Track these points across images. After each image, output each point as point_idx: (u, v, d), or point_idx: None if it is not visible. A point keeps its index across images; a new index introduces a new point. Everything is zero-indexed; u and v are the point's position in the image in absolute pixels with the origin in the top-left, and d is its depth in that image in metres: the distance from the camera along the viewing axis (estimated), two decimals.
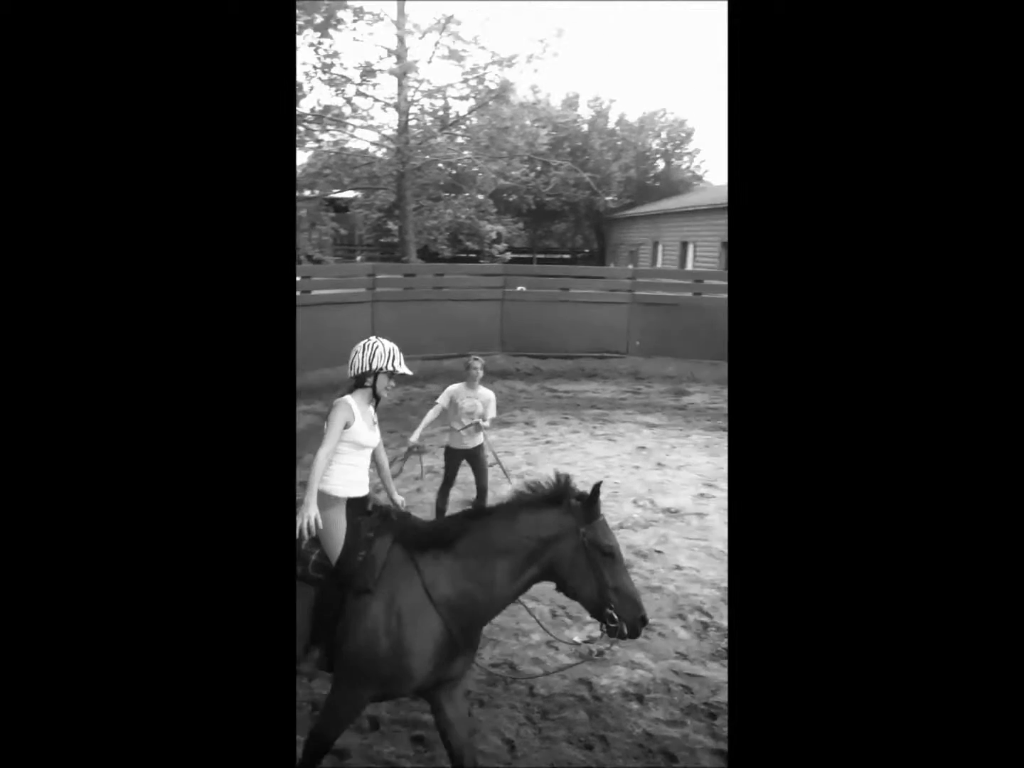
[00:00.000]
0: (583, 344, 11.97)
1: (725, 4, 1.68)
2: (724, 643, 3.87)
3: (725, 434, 8.20)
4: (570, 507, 2.49)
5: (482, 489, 5.00)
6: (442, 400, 4.89)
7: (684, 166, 30.16)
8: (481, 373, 4.92)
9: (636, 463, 7.10)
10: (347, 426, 2.64)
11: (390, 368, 2.71)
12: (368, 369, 2.69)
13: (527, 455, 7.21)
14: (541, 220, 27.12)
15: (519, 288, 12.68)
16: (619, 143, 27.87)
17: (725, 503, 6.09)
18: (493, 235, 17.23)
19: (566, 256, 28.39)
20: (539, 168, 18.89)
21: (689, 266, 21.89)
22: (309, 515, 2.46)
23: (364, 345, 2.74)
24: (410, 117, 14.63)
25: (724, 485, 6.50)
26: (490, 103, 15.23)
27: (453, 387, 4.94)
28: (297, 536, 2.45)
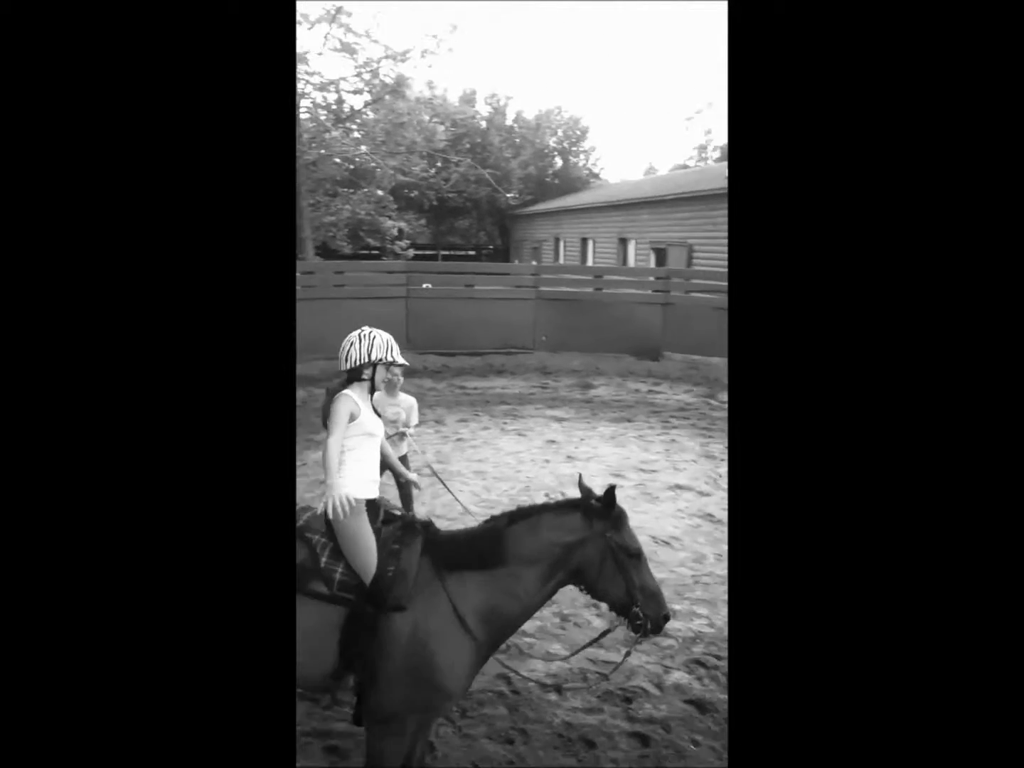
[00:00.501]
0: (491, 340, 12.02)
1: (714, 4, 1.70)
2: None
3: (630, 425, 8.48)
4: (592, 511, 2.50)
5: (407, 498, 4.73)
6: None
7: (581, 163, 30.79)
8: (402, 380, 4.73)
9: (547, 457, 7.21)
10: (352, 419, 2.53)
11: (390, 358, 2.63)
12: (367, 360, 2.60)
13: (438, 453, 7.18)
14: (444, 216, 27.02)
15: (425, 285, 12.60)
16: (517, 140, 28.15)
17: (633, 492, 6.30)
18: (395, 231, 17.03)
19: (471, 252, 28.40)
20: (439, 164, 18.81)
21: (590, 262, 22.39)
22: (339, 494, 2.34)
23: (360, 336, 2.63)
24: (302, 111, 14.23)
25: (632, 475, 6.71)
26: (386, 98, 15.03)
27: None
28: (331, 515, 2.34)
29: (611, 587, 2.49)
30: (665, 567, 4.77)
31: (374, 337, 2.64)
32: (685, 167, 35.20)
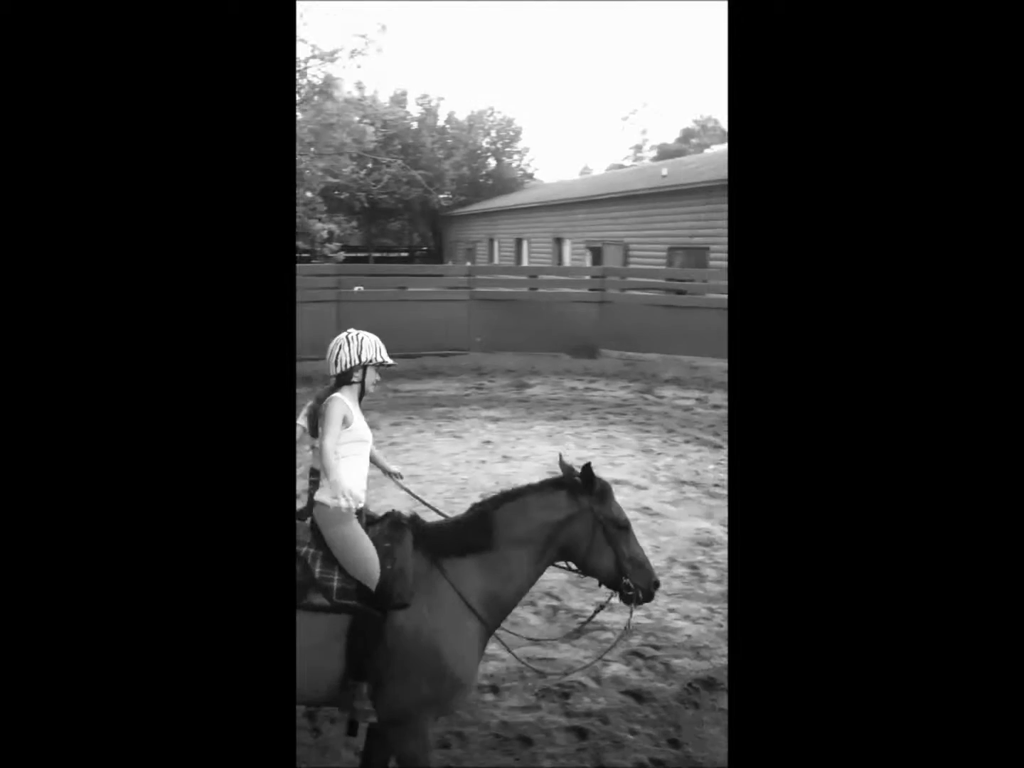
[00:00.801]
0: (425, 342, 11.92)
1: (715, 4, 1.67)
2: (574, 623, 3.99)
3: (567, 422, 8.52)
4: (576, 487, 2.53)
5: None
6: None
7: (515, 164, 30.95)
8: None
9: (482, 457, 7.18)
10: (346, 424, 2.47)
11: (379, 360, 2.59)
12: (357, 362, 2.54)
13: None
14: (375, 218, 26.74)
15: (357, 288, 12.41)
16: (450, 141, 28.09)
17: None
18: (325, 234, 16.75)
19: (404, 254, 28.20)
20: (370, 166, 18.60)
21: (525, 262, 22.49)
22: (344, 487, 2.33)
23: (348, 339, 2.58)
24: None
25: None
26: (314, 98, 14.78)
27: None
28: (346, 508, 2.33)
29: (601, 560, 2.53)
30: None
31: (363, 339, 2.59)
32: (621, 167, 35.79)
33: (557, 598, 4.37)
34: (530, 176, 31.31)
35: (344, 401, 2.50)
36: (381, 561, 2.40)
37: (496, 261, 24.01)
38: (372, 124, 17.78)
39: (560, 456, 2.73)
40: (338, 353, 2.56)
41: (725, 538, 5.27)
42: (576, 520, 2.52)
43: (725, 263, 15.61)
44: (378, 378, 2.66)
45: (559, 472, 2.63)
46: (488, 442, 7.69)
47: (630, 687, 3.43)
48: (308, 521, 2.44)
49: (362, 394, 2.62)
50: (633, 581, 2.53)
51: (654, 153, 39.08)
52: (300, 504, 2.63)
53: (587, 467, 2.53)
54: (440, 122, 28.53)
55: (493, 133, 30.03)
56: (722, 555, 4.95)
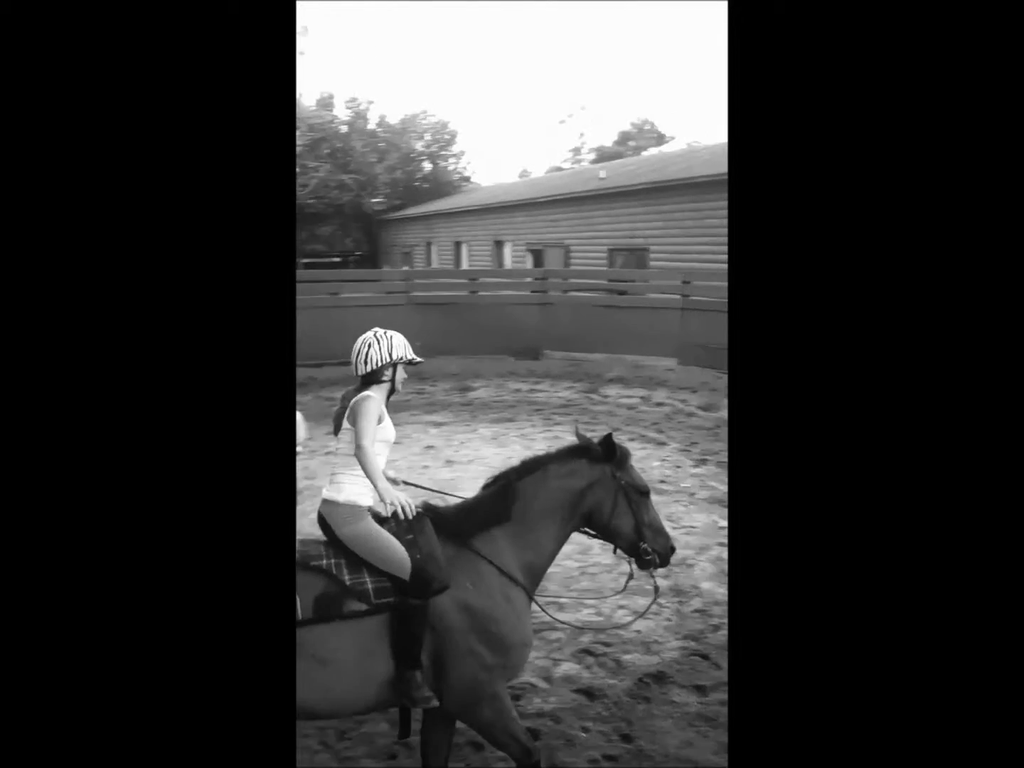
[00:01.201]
0: None
1: (652, 5, 1.65)
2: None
3: (512, 424, 8.51)
4: (596, 455, 2.63)
5: None
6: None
7: (451, 167, 30.93)
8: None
9: (425, 463, 7.09)
10: (380, 422, 2.51)
11: (408, 357, 2.63)
12: (388, 360, 2.58)
13: (305, 469, 6.88)
14: (304, 224, 26.28)
15: None
16: (382, 145, 27.89)
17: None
18: None
19: (336, 259, 27.78)
20: (296, 170, 18.28)
21: (464, 265, 22.45)
22: (399, 499, 2.42)
23: (377, 337, 2.60)
24: None
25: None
26: None
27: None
28: (403, 516, 2.42)
29: (622, 526, 2.64)
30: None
31: (392, 337, 2.62)
32: (560, 169, 36.14)
33: None
34: (467, 179, 31.34)
35: (378, 400, 2.54)
36: (408, 553, 2.43)
37: (435, 264, 23.91)
38: (298, 128, 17.51)
39: (576, 428, 2.87)
40: (367, 352, 2.57)
41: (673, 534, 5.31)
42: (598, 486, 2.62)
43: (665, 263, 15.92)
44: (406, 376, 2.70)
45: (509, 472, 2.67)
46: (430, 447, 7.61)
47: (581, 685, 3.42)
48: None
49: (391, 392, 2.66)
50: (651, 546, 2.65)
51: (592, 156, 39.60)
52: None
53: (608, 436, 2.66)
54: (371, 125, 28.31)
55: (428, 136, 29.94)
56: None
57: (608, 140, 41.31)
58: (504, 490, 2.62)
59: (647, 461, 7.08)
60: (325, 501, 2.51)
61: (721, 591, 4.43)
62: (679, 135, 41.01)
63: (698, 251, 15.39)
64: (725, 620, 4.06)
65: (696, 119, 68.16)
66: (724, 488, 6.33)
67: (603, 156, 37.12)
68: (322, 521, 2.51)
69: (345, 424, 2.57)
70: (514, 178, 38.41)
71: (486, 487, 2.70)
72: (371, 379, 2.59)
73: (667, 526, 5.48)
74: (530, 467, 2.65)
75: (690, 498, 6.12)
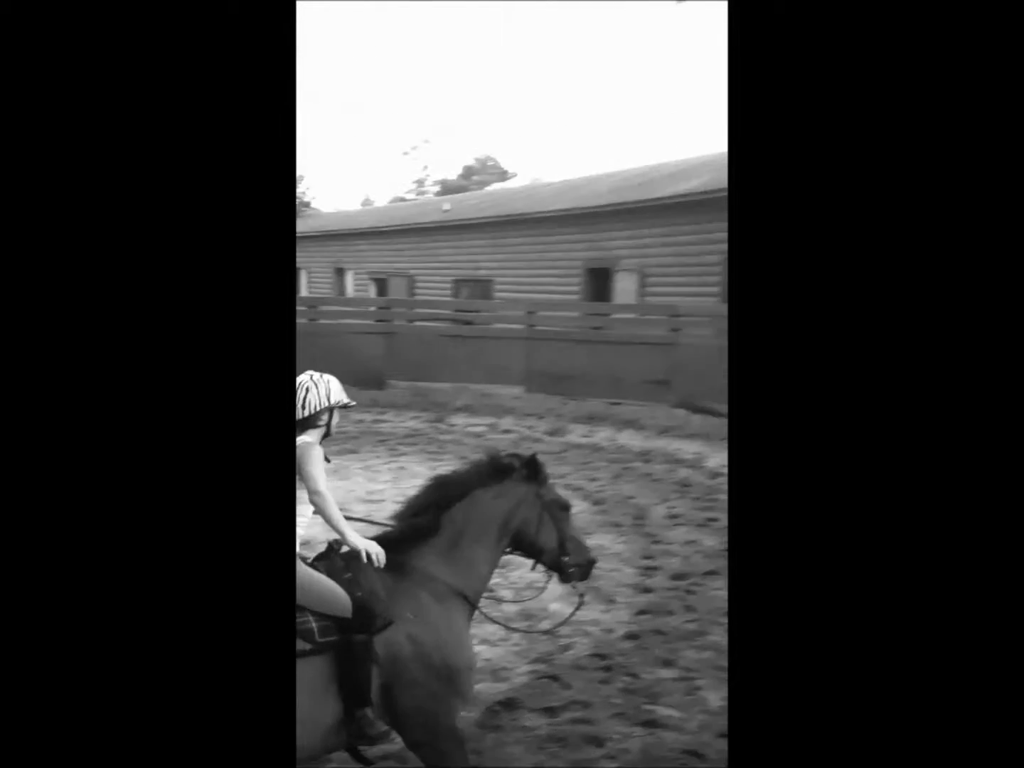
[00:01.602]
0: None
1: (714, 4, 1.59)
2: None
3: (355, 456, 8.26)
4: (522, 476, 2.73)
5: None
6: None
7: None
8: None
9: None
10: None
11: (345, 401, 2.65)
12: (327, 405, 2.58)
13: None
14: None
15: None
16: None
17: (359, 526, 6.07)
18: None
19: None
20: None
21: (304, 292, 21.85)
22: (371, 547, 2.52)
23: (314, 381, 2.59)
24: None
25: (357, 507, 6.48)
26: None
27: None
28: (377, 563, 2.51)
29: (548, 542, 2.73)
30: None
31: (329, 380, 2.63)
32: (403, 199, 36.26)
33: None
34: (307, 205, 30.66)
35: (318, 445, 2.55)
36: (349, 590, 2.43)
37: None
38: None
39: (487, 448, 3.02)
40: (305, 396, 2.57)
41: (518, 559, 5.36)
42: (524, 505, 2.72)
43: (509, 294, 16.33)
44: (338, 419, 2.70)
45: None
46: None
47: None
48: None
49: (325, 436, 2.65)
50: (573, 560, 2.75)
51: (436, 188, 40.14)
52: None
53: (533, 457, 2.78)
54: None
55: None
56: (518, 575, 5.01)
57: (452, 174, 42.14)
58: (435, 520, 2.65)
59: None
60: None
61: (569, 611, 4.50)
62: (521, 171, 42.53)
63: (542, 283, 15.97)
64: (574, 640, 4.13)
65: (537, 156, 71.22)
66: (571, 511, 6.49)
67: (447, 189, 37.78)
68: None
69: None
70: (357, 206, 38.11)
71: (411, 515, 2.70)
72: (307, 424, 2.57)
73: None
74: (454, 494, 2.68)
75: None
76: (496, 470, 2.74)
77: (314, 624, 2.37)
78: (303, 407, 2.55)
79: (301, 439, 2.50)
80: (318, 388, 2.58)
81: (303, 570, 2.41)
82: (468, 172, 42.42)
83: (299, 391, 2.56)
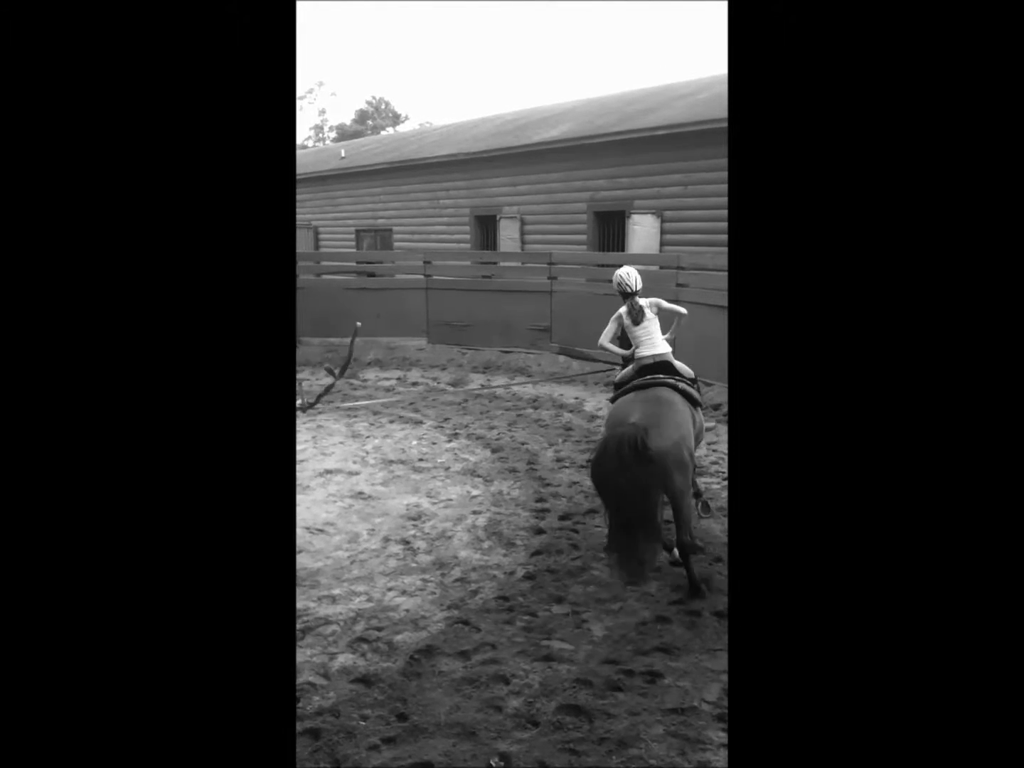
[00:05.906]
0: None
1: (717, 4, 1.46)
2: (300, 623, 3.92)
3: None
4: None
5: None
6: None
7: None
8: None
9: None
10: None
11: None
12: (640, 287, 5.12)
13: None
14: None
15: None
16: None
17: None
18: None
19: None
20: None
21: None
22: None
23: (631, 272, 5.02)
24: None
25: None
26: None
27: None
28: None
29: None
30: (322, 554, 4.75)
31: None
32: (304, 147, 34.20)
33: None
34: None
35: None
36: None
37: None
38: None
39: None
40: (638, 278, 4.85)
41: (433, 510, 5.55)
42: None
43: (406, 244, 15.95)
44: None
45: None
46: None
47: (358, 675, 3.46)
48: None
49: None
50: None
51: (334, 134, 38.03)
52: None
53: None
54: None
55: None
56: (431, 526, 5.21)
57: (347, 119, 39.97)
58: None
59: (406, 441, 7.22)
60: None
61: (477, 556, 4.74)
62: (413, 114, 40.79)
63: (435, 231, 15.64)
64: (483, 584, 4.36)
65: (428, 99, 68.21)
66: (474, 459, 6.70)
67: (343, 135, 35.85)
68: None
69: (648, 314, 4.76)
70: None
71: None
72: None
73: (427, 501, 5.73)
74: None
75: (446, 472, 6.38)
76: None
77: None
78: (637, 283, 4.94)
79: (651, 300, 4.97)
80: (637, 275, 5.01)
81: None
82: (362, 116, 40.30)
83: (633, 274, 4.96)
